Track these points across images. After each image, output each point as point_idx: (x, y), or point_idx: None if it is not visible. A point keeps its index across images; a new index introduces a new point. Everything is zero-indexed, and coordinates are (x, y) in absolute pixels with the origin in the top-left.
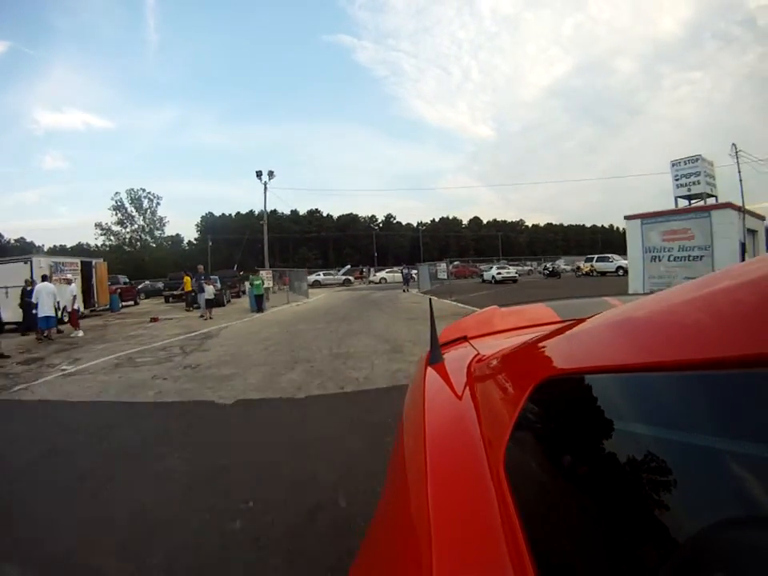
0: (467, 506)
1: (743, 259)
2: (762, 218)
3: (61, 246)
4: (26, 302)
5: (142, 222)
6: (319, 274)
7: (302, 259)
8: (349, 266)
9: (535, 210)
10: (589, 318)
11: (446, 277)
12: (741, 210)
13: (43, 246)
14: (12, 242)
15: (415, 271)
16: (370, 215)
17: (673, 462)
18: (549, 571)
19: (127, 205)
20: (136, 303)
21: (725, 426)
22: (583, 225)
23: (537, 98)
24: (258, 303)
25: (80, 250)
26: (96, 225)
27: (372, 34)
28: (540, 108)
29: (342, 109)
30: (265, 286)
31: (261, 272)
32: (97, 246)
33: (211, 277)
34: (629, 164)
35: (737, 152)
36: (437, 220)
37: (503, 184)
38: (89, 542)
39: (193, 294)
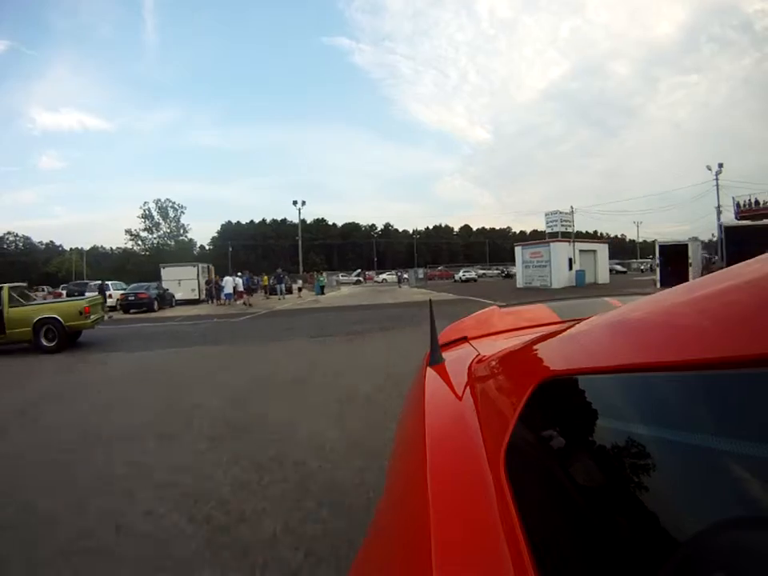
0: (467, 506)
1: (570, 268)
2: (605, 243)
3: (77, 246)
4: (210, 286)
5: (166, 229)
6: (338, 275)
7: (311, 263)
8: (359, 270)
9: (532, 213)
10: (588, 318)
11: (423, 277)
12: (570, 241)
13: (62, 245)
14: (42, 244)
15: (406, 274)
16: (370, 224)
17: (673, 462)
18: (549, 571)
19: (154, 214)
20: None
21: (725, 425)
22: (568, 231)
23: (533, 100)
24: (321, 290)
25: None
26: (126, 231)
27: (369, 36)
28: (536, 111)
29: (339, 111)
30: (323, 281)
31: (323, 273)
32: (125, 249)
33: (250, 278)
34: (624, 167)
35: (717, 174)
36: (431, 227)
37: (501, 186)
38: None
39: (272, 286)
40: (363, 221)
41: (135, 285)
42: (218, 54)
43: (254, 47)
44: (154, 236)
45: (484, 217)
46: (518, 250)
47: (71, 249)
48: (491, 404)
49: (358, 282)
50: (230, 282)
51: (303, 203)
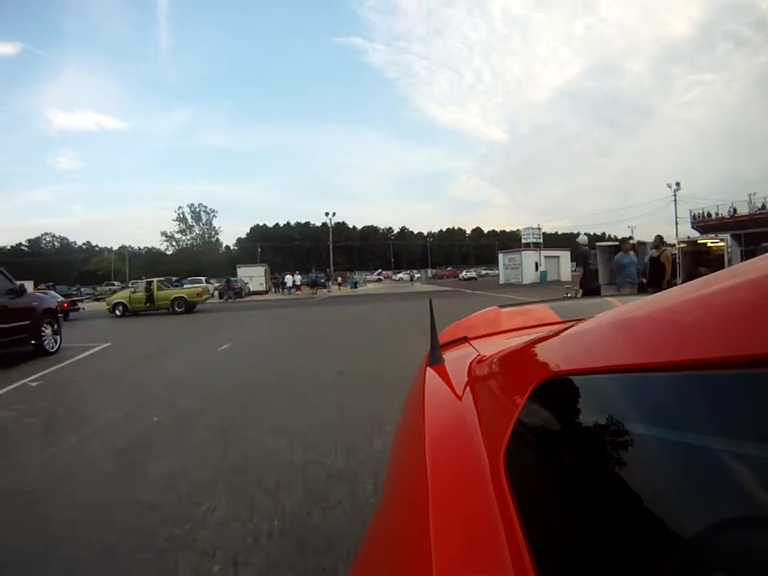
0: (467, 506)
1: (536, 269)
2: (567, 250)
3: (109, 246)
4: (277, 281)
5: (198, 231)
6: (365, 275)
7: (333, 263)
8: (380, 269)
9: (546, 213)
10: (589, 318)
11: (432, 276)
12: (538, 249)
13: (97, 245)
14: (76, 244)
15: (418, 274)
16: (387, 227)
17: (673, 462)
18: (549, 571)
19: (188, 217)
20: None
21: (725, 426)
22: (578, 233)
23: (548, 99)
24: (354, 284)
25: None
26: (162, 233)
27: (383, 36)
28: (551, 110)
29: (356, 112)
30: (356, 278)
31: (355, 272)
32: (151, 248)
33: (320, 274)
34: (640, 166)
35: (675, 191)
36: (444, 230)
37: (517, 187)
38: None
39: (317, 282)
40: (381, 220)
41: (233, 279)
42: (230, 56)
43: (267, 49)
44: (188, 237)
45: (499, 216)
46: (500, 256)
47: (108, 249)
48: (491, 404)
49: (378, 280)
50: (289, 279)
51: (334, 214)
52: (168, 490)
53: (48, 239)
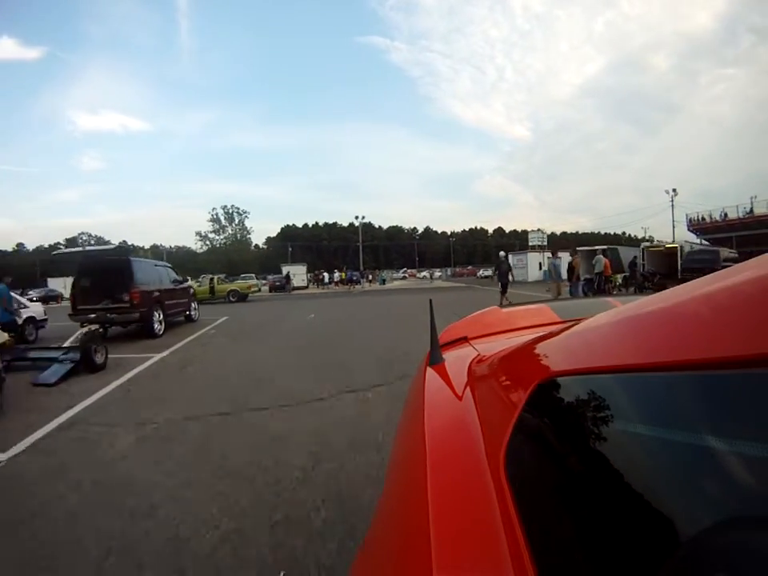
0: (467, 506)
1: (540, 269)
2: (567, 251)
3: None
4: (319, 277)
5: (231, 232)
6: (388, 273)
7: (360, 262)
8: (405, 268)
9: (569, 212)
10: (588, 318)
11: (451, 274)
12: (542, 251)
13: (133, 244)
14: (111, 243)
15: (439, 272)
16: (412, 227)
17: (673, 462)
18: (549, 571)
19: (222, 218)
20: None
21: (725, 426)
22: (598, 232)
23: (571, 96)
24: (383, 281)
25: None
26: (196, 233)
27: (405, 35)
28: (574, 107)
29: (381, 111)
30: (385, 276)
31: (383, 271)
32: (182, 246)
33: (355, 273)
34: (663, 164)
35: (672, 198)
36: (467, 229)
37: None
38: None
39: (354, 279)
40: (406, 219)
41: (277, 276)
42: (256, 58)
43: (290, 50)
44: (221, 237)
45: (523, 214)
46: (510, 256)
47: (141, 247)
48: (491, 404)
49: (403, 278)
50: (326, 276)
51: (363, 217)
52: (316, 339)
53: (84, 238)
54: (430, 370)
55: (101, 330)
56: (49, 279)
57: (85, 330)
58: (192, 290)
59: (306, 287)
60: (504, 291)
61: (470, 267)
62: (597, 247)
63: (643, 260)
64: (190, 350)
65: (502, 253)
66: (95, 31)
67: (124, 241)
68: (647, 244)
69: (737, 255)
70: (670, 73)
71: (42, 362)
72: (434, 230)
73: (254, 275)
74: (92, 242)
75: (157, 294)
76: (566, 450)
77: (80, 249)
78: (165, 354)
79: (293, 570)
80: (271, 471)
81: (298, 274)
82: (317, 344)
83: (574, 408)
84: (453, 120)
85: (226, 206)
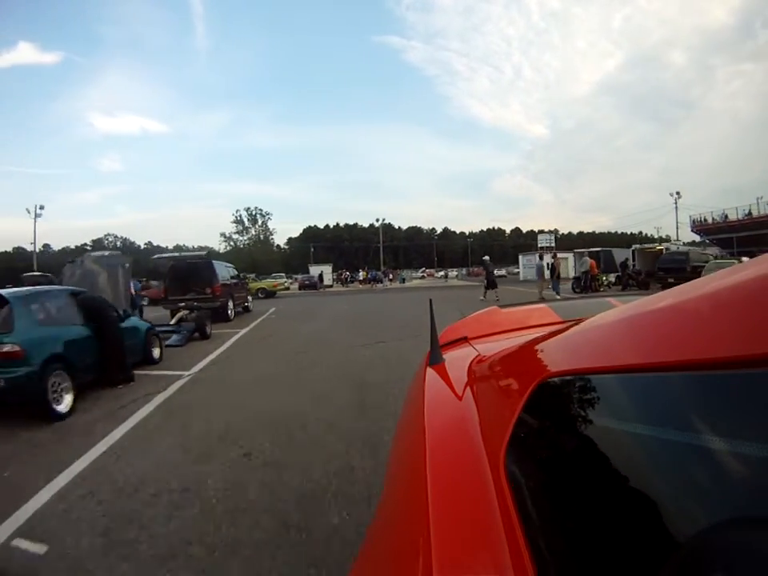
0: (467, 506)
1: (548, 269)
2: (571, 253)
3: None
4: (343, 277)
5: (254, 233)
6: (407, 272)
7: (380, 262)
8: (424, 268)
9: (589, 210)
10: (588, 318)
11: (466, 274)
12: (550, 253)
13: (159, 244)
14: (140, 244)
15: (454, 272)
16: (431, 227)
17: (673, 462)
18: (549, 571)
19: (245, 220)
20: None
21: (725, 425)
22: (615, 232)
23: (589, 94)
24: (403, 280)
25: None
26: (221, 234)
27: (421, 34)
28: (593, 105)
29: (397, 111)
30: (404, 276)
31: (402, 270)
32: (203, 246)
33: (377, 272)
34: (684, 162)
35: (676, 200)
36: (485, 230)
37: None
38: None
39: (376, 278)
40: (425, 218)
41: (306, 275)
42: (270, 60)
43: (308, 49)
44: (245, 238)
45: (543, 213)
46: (520, 257)
47: (166, 247)
48: (491, 404)
49: (422, 277)
50: (348, 275)
51: (383, 220)
52: (352, 319)
53: (110, 239)
54: (430, 370)
55: (194, 313)
56: None
57: (180, 313)
58: (248, 285)
59: (332, 286)
60: (488, 287)
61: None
62: (585, 249)
63: (634, 260)
64: (264, 326)
65: (485, 257)
66: (116, 36)
67: (149, 241)
68: (638, 246)
69: (709, 256)
70: (687, 69)
71: (165, 333)
72: (452, 230)
73: (284, 274)
74: (117, 243)
75: (229, 287)
76: (566, 450)
77: (176, 254)
78: (246, 330)
79: (373, 367)
80: (344, 365)
81: (325, 273)
82: (353, 322)
83: (573, 408)
84: (471, 119)
85: (249, 208)
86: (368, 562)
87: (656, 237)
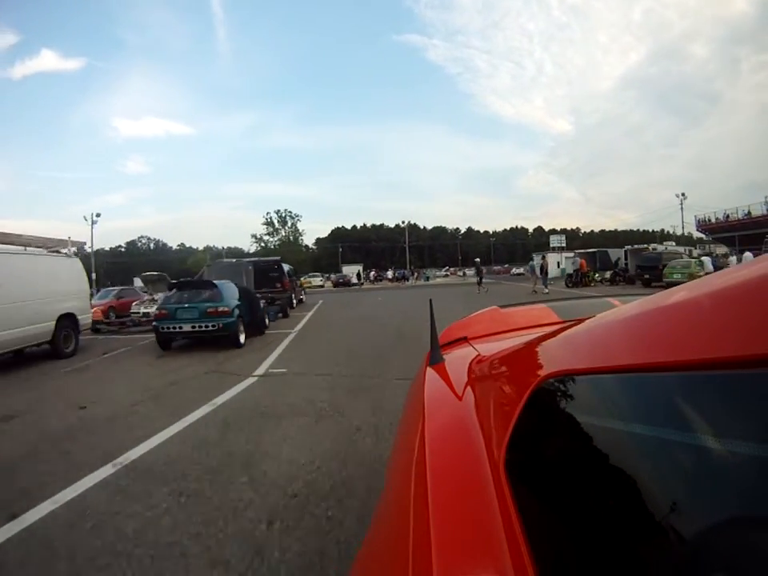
0: (467, 506)
1: (558, 267)
2: (477, 263)
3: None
4: (372, 275)
5: (284, 234)
6: (432, 271)
7: (406, 261)
8: (448, 267)
9: (615, 207)
10: (588, 318)
11: (486, 272)
12: (561, 252)
13: (191, 245)
14: (172, 245)
15: (470, 271)
16: (455, 227)
17: (672, 463)
18: (549, 571)
19: (275, 222)
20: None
21: (724, 426)
22: (638, 230)
23: (612, 89)
24: (427, 279)
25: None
26: (252, 235)
27: (441, 32)
28: (616, 99)
29: (420, 109)
30: (429, 274)
31: (427, 269)
32: (232, 247)
33: (404, 271)
34: (710, 156)
35: (681, 202)
36: (508, 228)
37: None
38: None
39: (404, 275)
40: (449, 217)
41: (339, 274)
42: (291, 60)
43: (330, 51)
44: (275, 239)
45: (567, 211)
46: (533, 256)
47: (197, 248)
48: (491, 404)
49: (446, 276)
50: (373, 274)
51: (409, 222)
52: (389, 306)
53: (144, 241)
54: (430, 370)
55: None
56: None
57: (262, 302)
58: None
59: (363, 284)
60: (479, 282)
61: (506, 266)
62: (583, 251)
63: (626, 259)
64: (322, 311)
65: (477, 259)
66: (142, 42)
67: (182, 243)
68: (629, 247)
69: (683, 256)
70: (710, 61)
71: None
72: (475, 229)
73: (319, 274)
74: (151, 245)
75: (292, 283)
76: (566, 450)
77: (256, 259)
78: (311, 313)
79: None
80: (388, 324)
81: (355, 272)
82: (390, 308)
83: (574, 408)
84: (494, 116)
85: (279, 211)
86: (368, 562)
87: (672, 234)
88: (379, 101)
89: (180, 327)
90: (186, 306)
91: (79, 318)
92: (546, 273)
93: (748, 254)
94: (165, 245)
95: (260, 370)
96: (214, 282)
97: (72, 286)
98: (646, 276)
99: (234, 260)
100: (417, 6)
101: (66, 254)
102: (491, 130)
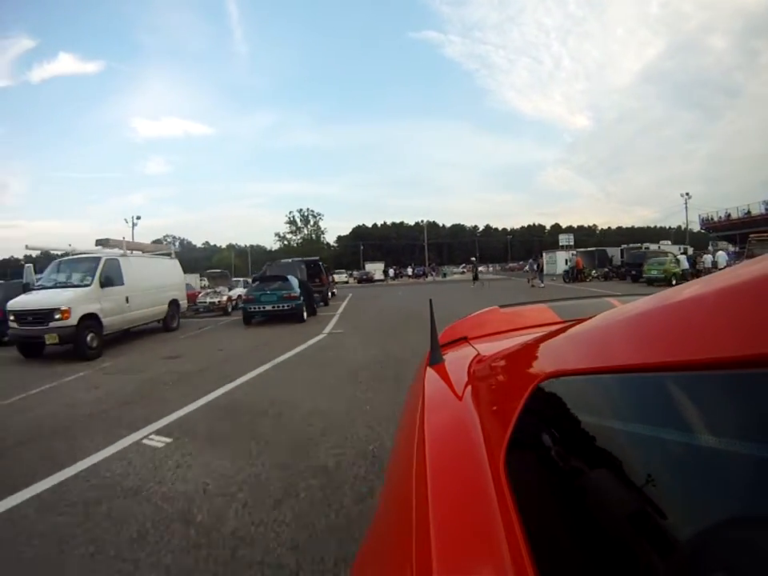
0: (467, 506)
1: (566, 264)
2: (473, 261)
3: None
4: (388, 272)
5: (307, 233)
6: (449, 267)
7: (426, 258)
8: (464, 263)
9: (635, 203)
10: (588, 318)
11: (499, 269)
12: (569, 250)
13: (216, 244)
14: (197, 243)
15: (482, 267)
16: (473, 225)
17: (672, 462)
18: (549, 571)
19: (298, 220)
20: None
21: (725, 426)
22: (655, 226)
23: (631, 83)
24: (444, 275)
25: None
26: (275, 234)
27: (457, 27)
28: (635, 94)
29: (438, 106)
30: (446, 271)
31: (445, 266)
32: (255, 245)
33: (424, 268)
34: (729, 151)
35: (686, 201)
36: (525, 226)
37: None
38: None
39: (424, 272)
40: (467, 214)
41: (363, 271)
42: (310, 59)
43: (347, 50)
44: (298, 238)
45: (586, 207)
46: (544, 254)
47: (221, 246)
48: (491, 404)
49: (462, 272)
50: (392, 271)
51: (427, 221)
52: (409, 298)
53: (169, 239)
54: (430, 370)
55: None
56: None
57: None
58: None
59: (385, 280)
60: (475, 278)
61: (521, 263)
62: (583, 249)
63: (622, 257)
64: (354, 303)
65: (472, 258)
66: (166, 45)
67: (206, 241)
68: (624, 246)
69: (668, 254)
70: (729, 54)
71: None
72: (493, 227)
73: (344, 271)
74: (176, 243)
75: (328, 278)
76: (566, 450)
77: (299, 259)
78: (345, 302)
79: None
80: (409, 306)
81: (378, 269)
82: (409, 300)
83: (574, 408)
84: (512, 112)
85: (301, 210)
86: (368, 561)
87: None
88: (397, 98)
89: (263, 307)
90: (268, 292)
91: (180, 302)
92: (542, 270)
93: (721, 254)
94: (190, 243)
95: (326, 331)
96: (286, 276)
97: (176, 279)
98: (633, 272)
99: (290, 260)
100: (432, 2)
101: (171, 256)
102: (510, 127)
